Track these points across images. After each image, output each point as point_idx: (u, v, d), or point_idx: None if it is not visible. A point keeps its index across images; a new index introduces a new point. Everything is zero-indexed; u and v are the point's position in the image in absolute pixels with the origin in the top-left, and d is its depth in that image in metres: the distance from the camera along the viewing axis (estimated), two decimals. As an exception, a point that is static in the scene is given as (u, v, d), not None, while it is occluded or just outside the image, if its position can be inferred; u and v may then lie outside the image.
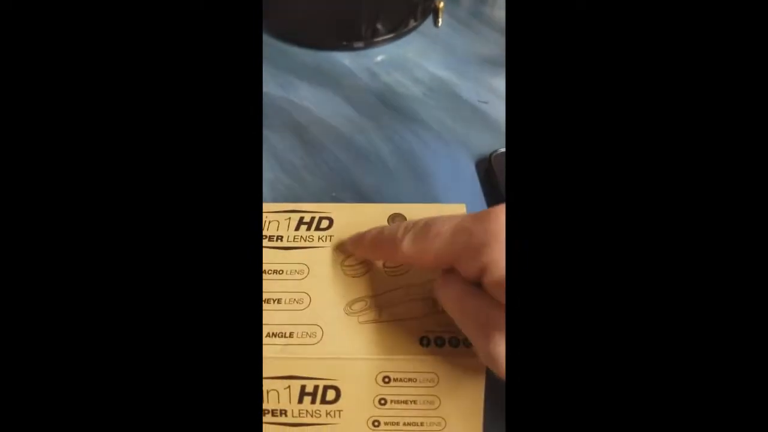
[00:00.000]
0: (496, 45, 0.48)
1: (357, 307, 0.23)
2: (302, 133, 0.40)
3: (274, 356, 0.22)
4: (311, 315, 0.23)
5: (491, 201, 0.35)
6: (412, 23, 0.48)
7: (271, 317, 0.23)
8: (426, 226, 0.21)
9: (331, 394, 0.22)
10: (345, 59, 0.46)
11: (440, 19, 0.50)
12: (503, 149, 0.37)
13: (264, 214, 0.27)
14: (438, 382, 0.22)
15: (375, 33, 0.46)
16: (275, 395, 0.22)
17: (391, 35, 0.47)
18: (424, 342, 0.22)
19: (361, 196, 0.36)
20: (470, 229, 0.19)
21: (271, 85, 0.44)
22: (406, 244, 0.21)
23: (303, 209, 0.27)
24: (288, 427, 0.23)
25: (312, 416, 0.23)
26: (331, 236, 0.26)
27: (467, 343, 0.22)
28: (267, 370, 0.22)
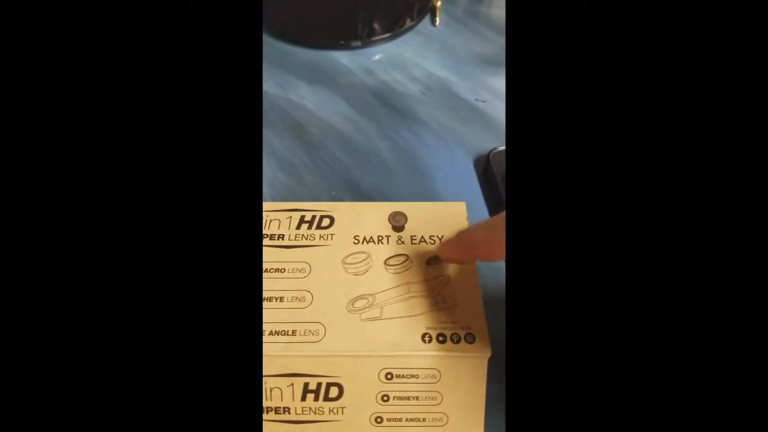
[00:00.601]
0: (493, 44, 0.48)
1: (359, 304, 0.24)
2: (301, 133, 0.40)
3: (276, 354, 0.22)
4: (313, 313, 0.23)
5: (489, 199, 0.36)
6: (408, 23, 0.48)
7: (273, 315, 0.23)
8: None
9: (333, 391, 0.22)
10: (343, 58, 0.46)
11: (438, 18, 0.50)
12: (502, 147, 0.37)
13: (265, 213, 0.27)
14: (440, 378, 0.22)
15: (372, 32, 0.46)
16: (278, 393, 0.22)
17: (387, 35, 0.47)
18: (425, 338, 0.23)
19: (360, 194, 0.36)
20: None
21: (270, 84, 0.44)
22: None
23: (304, 208, 0.27)
24: (291, 425, 0.23)
25: (315, 413, 0.23)
26: (332, 235, 0.26)
27: (468, 340, 0.22)
28: (270, 367, 0.22)
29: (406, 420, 0.23)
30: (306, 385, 0.22)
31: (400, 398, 0.23)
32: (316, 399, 0.22)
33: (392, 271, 0.25)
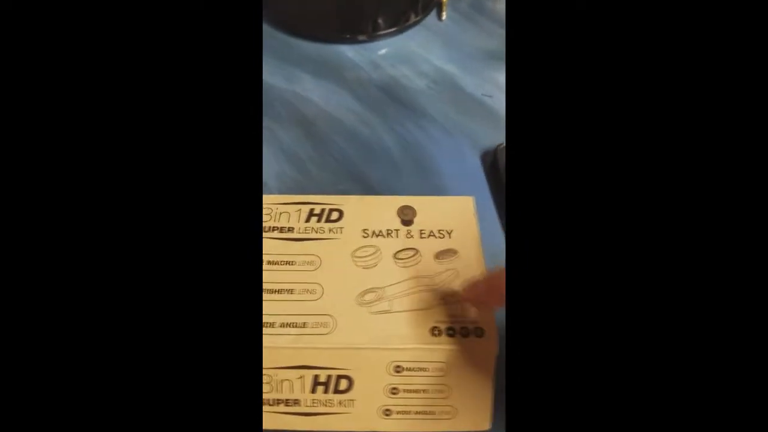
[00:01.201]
0: (499, 39, 0.48)
1: (368, 297, 0.24)
2: (308, 126, 0.40)
3: (287, 346, 0.22)
4: (323, 305, 0.23)
5: (496, 193, 0.36)
6: (413, 17, 0.48)
7: (283, 307, 0.23)
8: None
9: (343, 384, 0.23)
10: (349, 52, 0.46)
11: (444, 13, 0.50)
12: (508, 142, 0.37)
13: (274, 206, 0.27)
14: (448, 371, 0.23)
15: (376, 27, 0.46)
16: (288, 385, 0.23)
17: (393, 29, 0.47)
18: (434, 332, 0.23)
19: (367, 188, 0.36)
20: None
21: (276, 78, 0.44)
22: None
23: (313, 201, 0.27)
24: (301, 417, 0.23)
25: (325, 405, 0.23)
26: (341, 228, 0.26)
27: (477, 333, 0.23)
28: (280, 360, 0.22)
29: (415, 413, 0.23)
30: (316, 377, 0.23)
31: (409, 391, 0.23)
32: (326, 391, 0.23)
33: (401, 264, 0.25)
